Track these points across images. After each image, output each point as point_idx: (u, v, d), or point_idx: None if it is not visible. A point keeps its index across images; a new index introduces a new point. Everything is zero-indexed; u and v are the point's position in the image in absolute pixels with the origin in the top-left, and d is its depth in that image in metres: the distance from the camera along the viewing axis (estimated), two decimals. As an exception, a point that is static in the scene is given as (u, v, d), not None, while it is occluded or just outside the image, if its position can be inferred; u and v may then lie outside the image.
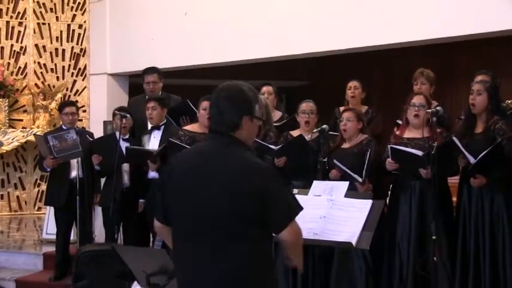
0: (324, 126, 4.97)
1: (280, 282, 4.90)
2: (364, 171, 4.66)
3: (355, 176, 4.64)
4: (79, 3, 9.17)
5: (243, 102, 2.58)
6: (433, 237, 4.31)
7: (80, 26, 9.17)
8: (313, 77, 9.38)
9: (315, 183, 3.94)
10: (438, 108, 4.64)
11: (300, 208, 2.59)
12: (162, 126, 5.68)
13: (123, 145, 5.62)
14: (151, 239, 5.70)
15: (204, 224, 2.52)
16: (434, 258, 4.30)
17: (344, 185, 3.82)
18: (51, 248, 6.30)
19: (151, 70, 6.28)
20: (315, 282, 4.81)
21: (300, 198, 3.74)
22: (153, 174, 5.54)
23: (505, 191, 4.53)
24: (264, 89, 6.04)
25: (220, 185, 2.50)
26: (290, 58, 7.92)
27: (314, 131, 5.05)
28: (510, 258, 4.46)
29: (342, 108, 5.56)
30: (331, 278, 4.80)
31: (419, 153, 4.52)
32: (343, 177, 4.66)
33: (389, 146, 4.71)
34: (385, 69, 8.54)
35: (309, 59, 8.02)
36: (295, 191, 3.90)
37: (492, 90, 4.63)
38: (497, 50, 7.23)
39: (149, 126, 5.78)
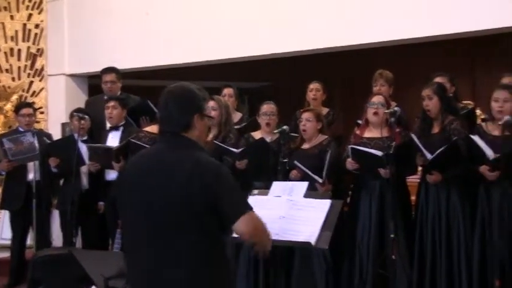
0: (284, 127, 4.99)
1: (242, 283, 4.92)
2: (324, 172, 4.70)
3: (315, 176, 4.67)
4: (35, 2, 8.98)
5: (192, 101, 2.60)
6: (392, 236, 4.39)
7: (37, 26, 8.99)
8: (276, 78, 9.40)
9: (275, 184, 3.94)
10: (396, 108, 4.73)
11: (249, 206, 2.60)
12: (121, 127, 5.62)
13: (82, 147, 5.54)
14: (110, 242, 5.63)
15: (157, 226, 2.51)
16: (393, 257, 4.37)
17: (303, 185, 3.82)
18: (6, 254, 6.17)
19: (109, 70, 6.22)
20: (276, 282, 4.83)
21: (260, 199, 3.80)
22: (112, 175, 5.47)
23: (460, 190, 4.63)
24: (225, 90, 6.04)
25: (174, 186, 2.50)
26: (252, 59, 7.90)
27: (275, 132, 5.07)
28: (465, 256, 4.56)
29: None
30: (292, 278, 4.83)
31: (379, 153, 4.58)
32: (303, 177, 4.68)
33: (349, 146, 4.77)
34: (346, 71, 8.59)
35: (271, 60, 8.03)
36: (255, 191, 3.89)
37: (441, 92, 4.76)
38: (455, 52, 7.35)
39: (108, 126, 5.71)
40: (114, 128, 5.64)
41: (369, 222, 4.75)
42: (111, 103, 5.61)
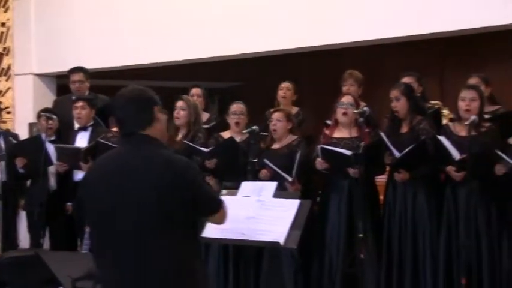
0: (254, 127, 5.00)
1: (212, 283, 4.91)
2: (293, 171, 4.71)
3: (285, 175, 4.69)
4: (1, 0, 8.86)
5: (148, 96, 2.63)
6: (360, 235, 4.42)
7: (3, 24, 8.86)
8: (246, 78, 9.39)
9: (244, 184, 3.93)
10: (365, 108, 4.77)
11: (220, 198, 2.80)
12: (90, 127, 5.57)
13: (49, 147, 5.47)
14: (79, 243, 5.57)
15: (130, 227, 2.50)
16: (362, 256, 4.40)
17: (272, 185, 3.82)
18: (-27, 255, 6.06)
19: (77, 69, 6.16)
20: (246, 282, 4.83)
21: (229, 199, 3.77)
22: (80, 176, 5.42)
23: (426, 189, 4.69)
24: (193, 90, 6.02)
25: (144, 186, 2.49)
26: (222, 59, 7.89)
27: (244, 131, 5.07)
28: (431, 255, 4.61)
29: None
30: (261, 278, 4.84)
31: (348, 152, 4.61)
32: (273, 177, 4.69)
33: (318, 146, 4.78)
34: (316, 71, 8.61)
35: (241, 60, 8.02)
36: (224, 192, 3.88)
37: (408, 93, 4.81)
38: (423, 52, 7.42)
39: (76, 126, 5.65)
40: (83, 128, 5.59)
41: (337, 221, 4.78)
42: (80, 103, 5.56)
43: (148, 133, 2.59)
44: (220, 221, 2.76)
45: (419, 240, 4.66)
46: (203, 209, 2.62)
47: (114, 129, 5.32)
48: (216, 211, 2.66)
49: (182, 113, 5.20)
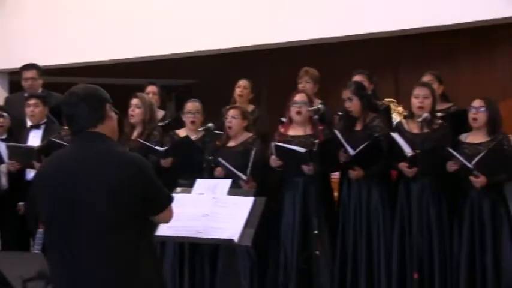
0: (209, 124, 4.99)
1: (168, 282, 4.89)
2: (248, 169, 4.72)
3: (240, 174, 4.70)
4: (-47, -2, 8.65)
5: (99, 93, 2.62)
6: (315, 232, 4.46)
7: (-45, 21, 8.66)
8: (204, 75, 9.37)
9: (198, 181, 3.92)
10: (320, 106, 4.81)
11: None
12: (43, 125, 5.47)
13: (1, 145, 5.36)
14: (31, 243, 5.47)
15: (83, 225, 2.47)
16: (317, 252, 4.44)
17: (227, 182, 3.82)
18: None
19: (30, 66, 6.05)
20: (202, 280, 4.84)
21: (184, 197, 3.77)
22: (33, 175, 5.32)
23: (380, 186, 4.76)
24: (149, 88, 5.97)
25: (95, 183, 2.47)
26: (178, 56, 7.87)
27: (199, 129, 5.06)
28: (384, 250, 4.68)
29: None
30: (217, 275, 4.85)
31: (302, 149, 4.64)
32: (227, 175, 4.68)
33: (273, 144, 4.80)
34: (272, 68, 8.64)
35: (199, 57, 8.00)
36: (178, 189, 3.87)
37: (360, 92, 4.86)
38: (379, 50, 7.51)
39: (28, 125, 5.55)
40: (36, 126, 5.49)
41: (292, 218, 4.81)
42: (32, 101, 5.46)
43: (100, 130, 2.57)
44: (166, 219, 2.72)
45: (373, 236, 4.73)
46: (155, 207, 2.60)
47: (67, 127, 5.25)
48: (165, 208, 2.64)
49: (137, 111, 5.15)
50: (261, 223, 4.65)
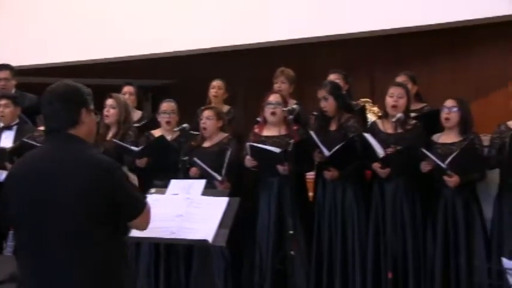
0: (184, 125, 4.99)
1: (143, 282, 4.89)
2: (223, 170, 4.71)
3: (214, 174, 4.69)
4: None
5: (77, 96, 2.56)
6: (290, 232, 4.47)
7: None
8: (180, 75, 9.35)
9: (173, 182, 3.91)
10: (294, 106, 4.82)
11: (145, 199, 2.70)
12: (15, 126, 5.42)
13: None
14: (4, 245, 5.41)
15: (53, 229, 2.45)
16: (292, 252, 4.45)
17: (201, 183, 3.82)
18: None
19: (3, 67, 6.00)
20: (177, 280, 4.83)
21: (158, 197, 3.75)
22: (2, 176, 5.27)
23: (355, 186, 4.78)
24: (125, 88, 5.95)
25: (66, 186, 2.45)
26: (154, 57, 7.85)
27: (175, 129, 5.05)
28: (359, 250, 4.71)
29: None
30: (192, 276, 4.84)
31: (277, 149, 4.65)
32: (202, 175, 4.68)
33: (247, 144, 4.80)
34: (250, 68, 8.65)
35: (175, 57, 7.99)
36: (152, 190, 3.85)
37: (336, 91, 4.88)
38: (355, 51, 7.55)
39: (0, 125, 5.49)
40: (7, 127, 5.43)
41: (267, 219, 4.82)
42: (3, 101, 5.41)
43: (75, 132, 2.54)
44: (142, 226, 2.67)
45: (348, 236, 4.75)
46: (127, 212, 2.56)
47: (41, 128, 5.20)
48: (138, 213, 2.59)
49: (112, 111, 5.13)
50: (236, 223, 4.68)
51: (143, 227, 2.68)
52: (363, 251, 4.71)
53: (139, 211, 2.58)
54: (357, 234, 4.72)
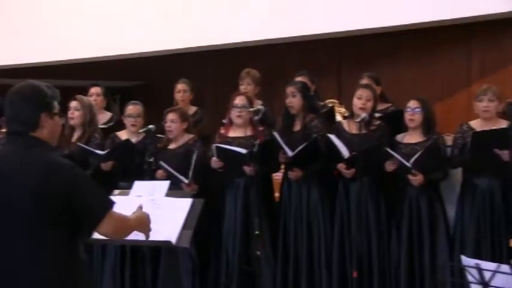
0: (150, 126, 4.99)
1: (108, 283, 4.87)
2: (189, 172, 4.71)
3: (181, 177, 4.68)
4: None
5: (40, 99, 2.52)
6: (257, 232, 4.49)
7: None
8: (148, 77, 9.32)
9: (136, 183, 3.90)
10: (260, 107, 4.85)
11: (112, 201, 2.58)
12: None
13: None
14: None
15: (9, 230, 2.44)
16: (258, 253, 4.47)
17: (165, 184, 3.81)
18: None
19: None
20: (143, 282, 4.82)
21: (121, 199, 3.73)
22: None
23: (320, 186, 4.82)
24: (92, 90, 5.91)
25: (23, 188, 2.43)
26: (123, 58, 7.81)
27: (140, 131, 5.04)
28: (325, 249, 4.75)
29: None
30: (159, 277, 4.83)
31: (243, 150, 4.67)
32: (169, 178, 4.66)
33: (213, 145, 4.81)
34: (218, 69, 8.66)
35: (143, 58, 7.96)
36: (115, 192, 3.83)
37: (304, 91, 4.92)
38: (322, 51, 7.59)
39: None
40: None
41: (234, 219, 4.83)
42: (-34, 103, 5.30)
43: (36, 135, 2.51)
44: (112, 233, 2.56)
45: (314, 236, 4.78)
46: (85, 214, 2.49)
47: (3, 130, 5.14)
48: (100, 216, 2.50)
49: (76, 113, 5.10)
50: (203, 224, 4.69)
51: (114, 235, 2.59)
52: (328, 250, 4.75)
53: (100, 214, 2.49)
54: (323, 234, 4.75)
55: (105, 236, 2.58)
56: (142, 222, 2.79)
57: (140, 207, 2.91)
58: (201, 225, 4.56)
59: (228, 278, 4.78)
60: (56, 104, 2.56)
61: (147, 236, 2.85)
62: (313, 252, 4.76)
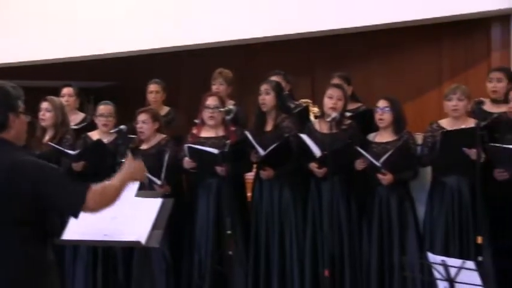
0: (121, 127, 4.97)
1: (80, 284, 4.84)
2: (162, 173, 4.71)
3: (154, 178, 4.68)
4: None
5: (6, 100, 2.54)
6: (228, 232, 4.50)
7: None
8: (123, 77, 9.28)
9: (107, 184, 3.88)
10: (231, 107, 4.86)
11: (87, 184, 2.61)
12: None
13: None
14: None
15: None
16: (230, 252, 4.48)
17: (135, 184, 3.80)
18: None
19: None
20: (115, 283, 4.81)
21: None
22: None
23: (292, 186, 4.84)
24: (64, 90, 5.87)
25: None
26: (97, 58, 7.78)
27: (111, 131, 5.02)
28: (297, 248, 4.77)
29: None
30: (132, 277, 4.82)
31: (215, 150, 4.67)
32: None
33: (186, 145, 4.81)
34: (192, 70, 8.65)
35: (118, 59, 7.94)
36: (87, 193, 3.81)
37: (278, 90, 4.94)
38: (295, 51, 7.63)
39: None
40: None
41: (206, 219, 4.84)
42: None
43: (3, 135, 2.53)
44: (99, 206, 2.62)
45: (286, 235, 4.80)
46: (61, 205, 2.53)
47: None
48: (79, 203, 2.52)
49: (48, 114, 5.08)
50: (176, 224, 4.69)
51: (103, 205, 2.64)
52: (300, 250, 4.77)
53: (79, 201, 2.52)
54: (295, 233, 4.78)
55: (96, 212, 2.63)
56: (127, 174, 2.81)
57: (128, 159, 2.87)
58: (174, 225, 4.59)
59: (201, 278, 4.79)
60: (20, 103, 2.59)
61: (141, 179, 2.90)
62: (285, 252, 4.77)
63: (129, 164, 2.79)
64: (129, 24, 7.32)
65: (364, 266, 4.67)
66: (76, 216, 2.57)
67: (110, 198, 2.69)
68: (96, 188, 2.61)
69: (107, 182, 2.71)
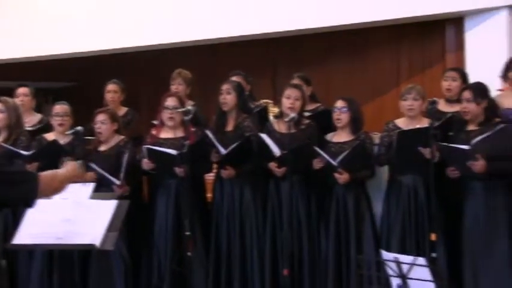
0: (78, 128, 4.92)
1: (36, 284, 4.78)
2: (121, 174, 4.67)
3: (113, 179, 4.64)
4: None
5: None
6: (187, 233, 4.49)
7: None
8: (82, 77, 9.19)
9: (61, 186, 3.83)
10: (190, 107, 4.85)
11: (35, 174, 2.57)
12: None
13: None
14: None
15: None
16: (189, 254, 4.47)
17: (89, 186, 3.77)
18: None
19: None
20: (72, 285, 4.75)
21: (43, 202, 3.66)
22: None
23: (252, 185, 4.86)
24: (20, 90, 5.77)
25: None
26: (55, 58, 7.69)
27: (68, 133, 4.97)
28: (257, 248, 4.79)
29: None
30: (90, 279, 4.77)
31: (173, 151, 4.66)
32: (100, 180, 4.61)
33: (144, 147, 4.78)
34: (153, 69, 8.61)
35: (77, 59, 7.85)
36: (39, 194, 3.75)
37: (239, 90, 4.96)
38: (256, 51, 7.65)
39: None
40: None
41: (165, 220, 4.81)
42: None
43: None
44: (52, 191, 2.63)
45: (246, 235, 4.81)
46: (14, 201, 2.54)
47: None
48: (33, 193, 2.51)
49: (1, 115, 4.99)
50: (135, 225, 4.66)
51: (56, 190, 2.64)
52: (260, 249, 4.78)
53: (33, 192, 2.50)
54: (255, 233, 4.79)
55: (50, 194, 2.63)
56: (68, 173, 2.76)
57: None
58: (133, 226, 4.56)
59: (160, 279, 4.77)
60: None
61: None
62: (245, 252, 4.78)
63: (69, 166, 2.75)
64: (90, 24, 7.26)
65: (322, 264, 4.70)
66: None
67: (58, 189, 2.68)
68: (43, 177, 2.58)
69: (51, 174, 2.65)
